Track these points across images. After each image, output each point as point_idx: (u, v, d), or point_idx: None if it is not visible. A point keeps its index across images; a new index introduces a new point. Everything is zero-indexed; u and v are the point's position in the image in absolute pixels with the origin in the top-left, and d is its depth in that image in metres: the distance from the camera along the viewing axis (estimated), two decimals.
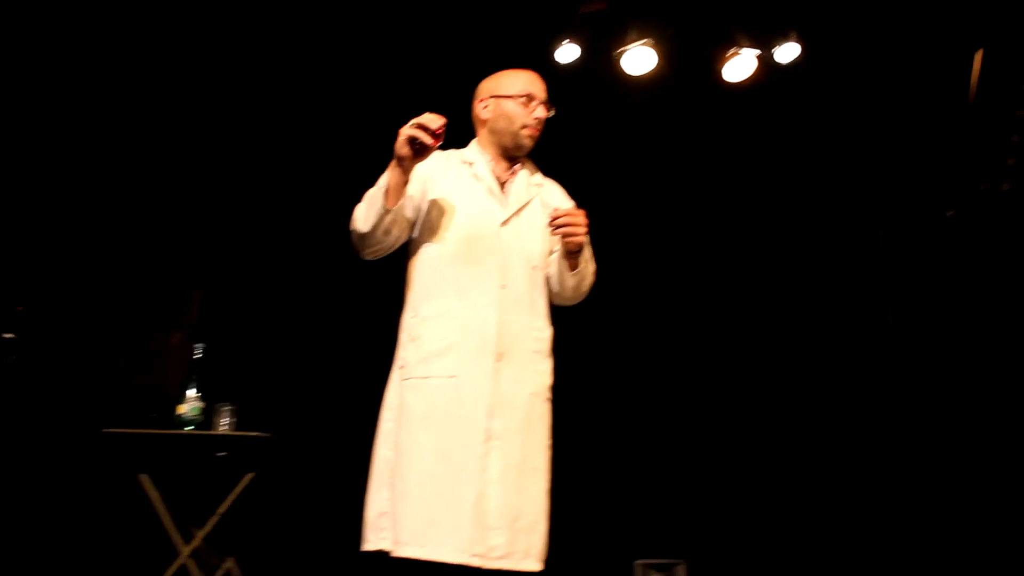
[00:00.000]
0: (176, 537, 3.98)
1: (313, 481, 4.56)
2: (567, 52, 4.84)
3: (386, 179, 2.62)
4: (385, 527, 2.61)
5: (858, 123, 4.95)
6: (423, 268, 2.78)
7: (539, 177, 2.98)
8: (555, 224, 2.67)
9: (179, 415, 4.04)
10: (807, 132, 5.17)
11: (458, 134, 2.82)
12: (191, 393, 4.08)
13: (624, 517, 4.79)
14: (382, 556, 2.59)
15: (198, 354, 4.17)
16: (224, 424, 4.07)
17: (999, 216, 1.91)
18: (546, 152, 3.06)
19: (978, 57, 1.77)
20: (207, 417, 4.08)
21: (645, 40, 4.74)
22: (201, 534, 4.02)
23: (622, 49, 4.79)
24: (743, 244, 5.11)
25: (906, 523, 4.48)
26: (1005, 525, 4.19)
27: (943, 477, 4.40)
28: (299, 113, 4.90)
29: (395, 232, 2.71)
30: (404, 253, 2.86)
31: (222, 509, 4.05)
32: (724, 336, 5.05)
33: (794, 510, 4.82)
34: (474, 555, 2.53)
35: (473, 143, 2.94)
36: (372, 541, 2.63)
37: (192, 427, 4.04)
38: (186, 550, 3.97)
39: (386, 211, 2.61)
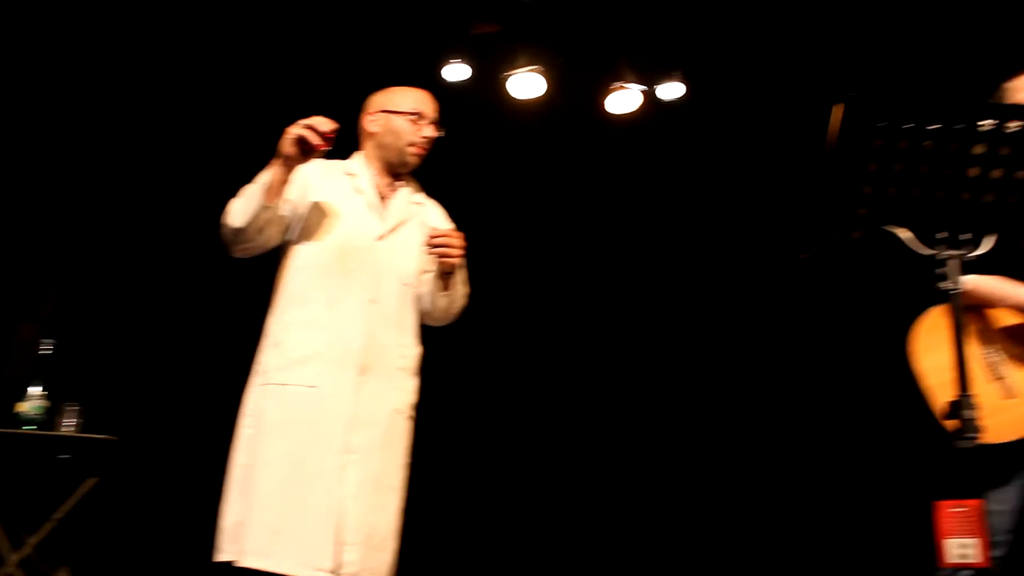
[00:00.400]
0: (3, 544, 3.75)
1: (163, 489, 4.38)
2: (456, 71, 4.84)
3: (267, 176, 2.57)
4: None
5: (732, 164, 5.13)
6: (294, 274, 2.73)
7: (421, 196, 2.97)
8: (432, 244, 2.66)
9: (18, 412, 3.83)
10: (684, 168, 5.32)
11: (344, 145, 2.78)
12: (35, 390, 3.87)
13: (476, 540, 4.77)
14: (233, 568, 2.50)
15: (47, 350, 3.97)
16: (68, 425, 3.88)
17: (849, 262, 1.99)
18: (429, 170, 3.04)
19: (836, 110, 1.84)
20: (50, 416, 3.88)
21: (533, 66, 4.78)
22: (33, 541, 3.81)
23: (510, 73, 4.83)
24: (616, 274, 5.20)
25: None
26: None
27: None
28: (167, 111, 4.74)
29: (268, 232, 2.65)
30: (275, 256, 2.79)
31: (59, 515, 3.85)
32: (586, 366, 5.11)
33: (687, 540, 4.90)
34: (320, 569, 2.47)
35: (357, 155, 2.91)
36: (228, 552, 2.54)
37: (33, 426, 3.83)
38: (14, 558, 3.74)
39: (263, 208, 2.55)
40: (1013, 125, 1.85)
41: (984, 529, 1.82)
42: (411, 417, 2.77)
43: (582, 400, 5.07)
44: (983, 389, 2.56)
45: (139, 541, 4.34)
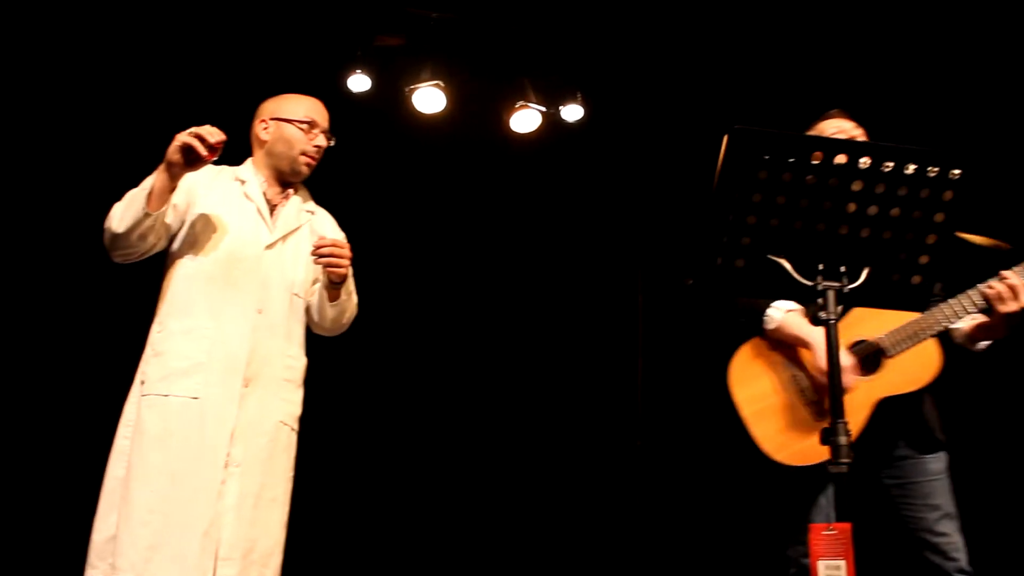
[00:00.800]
0: None
1: (31, 500, 4.18)
2: (359, 82, 4.81)
3: (151, 182, 2.51)
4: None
5: (626, 189, 5.23)
6: (178, 282, 2.66)
7: (312, 205, 2.94)
8: (319, 253, 2.63)
9: None
10: (583, 190, 5.39)
11: (235, 152, 2.74)
12: None
13: (366, 552, 4.72)
14: None
15: None
16: None
17: (732, 288, 2.05)
18: (323, 179, 3.01)
19: (725, 141, 1.90)
20: None
21: (436, 81, 4.79)
22: None
23: (413, 87, 4.82)
24: (509, 291, 5.23)
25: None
26: None
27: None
28: (53, 111, 4.54)
29: (151, 239, 2.59)
30: (159, 262, 2.73)
31: None
32: (474, 379, 5.12)
33: (551, 547, 4.93)
34: None
35: (248, 162, 2.86)
36: (97, 568, 2.45)
37: None
38: None
39: (145, 215, 2.49)
40: (888, 165, 1.93)
41: (851, 552, 1.89)
42: (295, 430, 2.73)
43: (468, 411, 5.07)
44: (798, 413, 2.70)
45: (3, 556, 4.14)
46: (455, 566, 4.84)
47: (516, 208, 5.30)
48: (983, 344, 2.75)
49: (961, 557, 2.60)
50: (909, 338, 2.63)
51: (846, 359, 2.62)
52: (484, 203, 5.27)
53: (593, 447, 5.01)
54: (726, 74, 5.01)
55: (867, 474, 2.70)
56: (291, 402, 2.72)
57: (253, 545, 2.52)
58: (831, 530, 1.91)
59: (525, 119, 5.04)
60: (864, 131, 2.88)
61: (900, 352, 2.64)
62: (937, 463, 2.71)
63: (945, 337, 2.68)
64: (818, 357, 2.65)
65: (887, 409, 2.63)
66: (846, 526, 1.90)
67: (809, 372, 2.71)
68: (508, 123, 5.07)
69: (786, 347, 2.77)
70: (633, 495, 4.74)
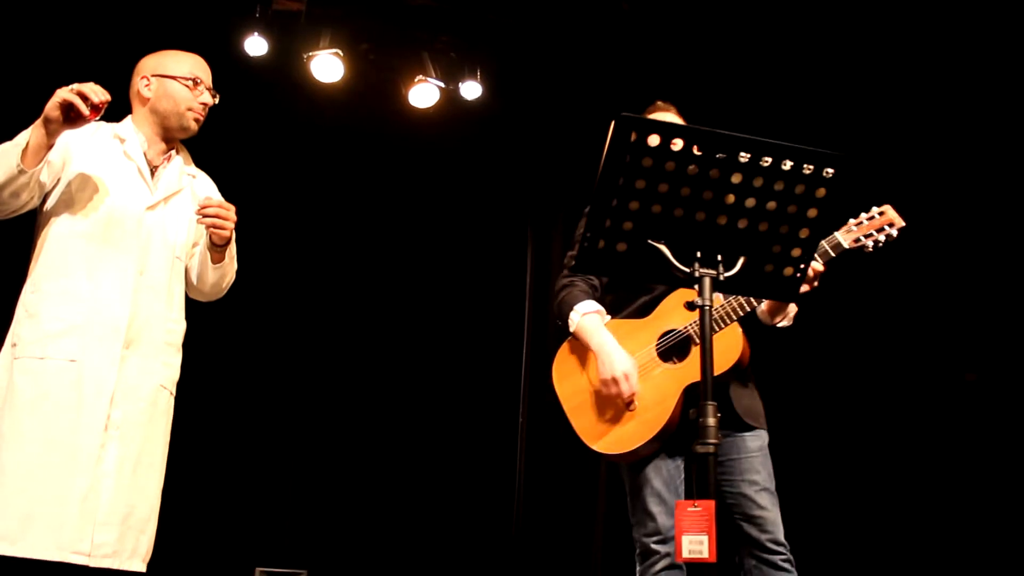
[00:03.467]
0: None
1: None
2: (255, 44, 4.71)
3: (26, 137, 2.42)
4: None
5: (520, 169, 5.28)
6: (53, 242, 2.58)
7: (193, 168, 2.88)
8: (204, 213, 2.59)
9: None
10: (478, 169, 5.42)
11: (116, 110, 2.66)
12: None
13: (245, 523, 4.68)
14: None
15: None
16: None
17: (613, 270, 2.11)
18: (214, 141, 2.96)
19: (611, 128, 1.95)
20: None
21: (335, 50, 4.72)
22: None
23: (311, 54, 4.74)
24: (397, 264, 5.22)
25: None
26: None
27: None
28: None
29: (24, 196, 2.50)
30: (30, 221, 2.64)
31: None
32: (363, 346, 5.11)
33: (421, 521, 4.96)
34: (77, 552, 2.38)
35: (128, 120, 2.77)
36: None
37: None
38: None
39: (20, 171, 2.40)
40: (766, 160, 2.02)
41: (713, 527, 1.98)
42: (173, 394, 2.70)
43: (344, 381, 5.06)
44: (609, 405, 2.79)
45: None
46: (331, 531, 4.84)
47: (409, 182, 5.29)
48: (781, 321, 2.86)
49: (776, 530, 2.74)
50: (713, 324, 2.67)
51: (627, 369, 2.72)
52: (376, 176, 5.24)
53: (477, 423, 5.06)
54: (624, 60, 5.11)
55: (687, 455, 2.81)
56: (171, 366, 2.68)
57: (132, 510, 2.49)
58: (695, 507, 2.00)
59: (424, 94, 5.03)
60: (688, 122, 2.95)
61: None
62: (755, 440, 2.83)
63: (753, 320, 2.80)
64: (600, 364, 2.75)
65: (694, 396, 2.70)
66: (710, 503, 1.98)
67: (591, 377, 2.83)
68: (407, 97, 5.04)
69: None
70: (513, 474, 4.81)
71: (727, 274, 2.09)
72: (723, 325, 2.74)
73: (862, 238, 2.72)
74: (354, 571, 4.83)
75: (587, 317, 2.84)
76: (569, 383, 2.88)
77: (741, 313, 2.74)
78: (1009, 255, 4.46)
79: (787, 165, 2.04)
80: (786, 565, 2.75)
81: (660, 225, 2.05)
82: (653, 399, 2.76)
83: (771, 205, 2.08)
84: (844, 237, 2.74)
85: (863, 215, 2.74)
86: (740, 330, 2.78)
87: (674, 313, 2.81)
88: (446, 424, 5.07)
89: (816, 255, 2.67)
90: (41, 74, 2.54)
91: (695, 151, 1.99)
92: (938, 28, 4.52)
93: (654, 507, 2.77)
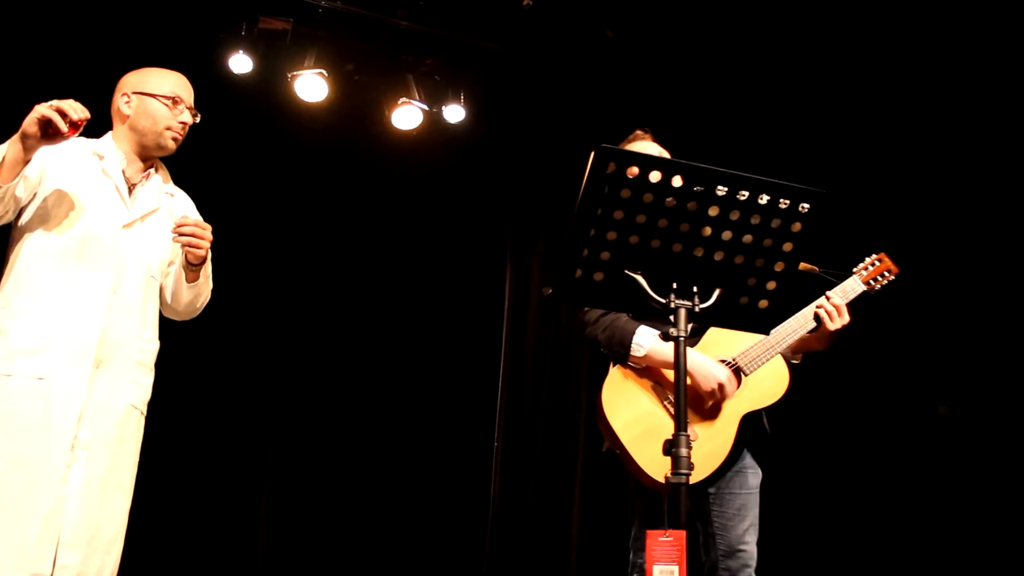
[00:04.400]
0: None
1: None
2: (239, 62, 4.71)
3: (2, 153, 2.40)
4: None
5: (501, 195, 5.29)
6: (26, 258, 2.55)
7: (172, 187, 2.87)
8: (180, 232, 2.58)
9: None
10: (460, 192, 5.43)
11: (98, 125, 2.66)
12: None
13: (213, 544, 4.63)
14: None
15: None
16: None
17: (590, 300, 2.13)
18: (194, 158, 2.96)
19: (591, 158, 1.97)
20: None
21: (319, 70, 4.74)
22: None
23: (296, 73, 4.75)
24: (376, 285, 5.21)
25: None
26: None
27: None
28: None
29: None
30: (4, 236, 2.62)
31: None
32: (341, 366, 5.09)
33: (395, 545, 4.94)
34: (37, 574, 2.34)
35: (108, 136, 2.76)
36: None
37: None
38: None
39: None
40: (743, 194, 2.04)
41: (684, 558, 1.98)
42: (143, 414, 2.68)
43: (320, 403, 5.03)
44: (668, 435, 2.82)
45: None
46: (300, 553, 4.80)
47: (390, 204, 5.29)
48: (799, 356, 3.02)
49: (753, 563, 2.85)
50: (761, 356, 2.85)
51: (724, 371, 2.79)
52: (358, 197, 5.25)
53: (453, 446, 5.05)
54: (607, 88, 5.15)
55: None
56: (142, 385, 2.66)
57: (97, 531, 2.46)
58: (667, 537, 2.00)
59: (407, 116, 5.04)
60: (669, 152, 3.02)
61: (755, 369, 2.85)
62: (755, 478, 2.93)
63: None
64: (702, 376, 2.78)
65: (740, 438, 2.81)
66: (681, 533, 1.99)
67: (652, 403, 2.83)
68: (390, 118, 5.06)
69: (653, 371, 2.85)
70: (485, 496, 4.80)
71: (703, 305, 2.11)
72: (768, 358, 2.86)
73: (871, 282, 2.98)
74: None
75: (658, 340, 2.79)
76: (625, 414, 2.80)
77: (787, 344, 2.89)
78: (980, 288, 4.52)
79: (764, 199, 2.06)
80: None
81: (637, 256, 2.06)
82: (713, 429, 2.79)
83: (747, 238, 2.10)
84: (857, 283, 2.97)
85: (866, 260, 3.00)
86: (784, 362, 2.91)
87: (721, 343, 2.88)
88: (422, 442, 5.05)
89: (845, 304, 2.89)
90: (23, 88, 2.52)
91: (673, 183, 2.01)
92: (911, 65, 4.59)
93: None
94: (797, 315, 2.90)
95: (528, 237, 5.18)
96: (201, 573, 4.57)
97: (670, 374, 2.83)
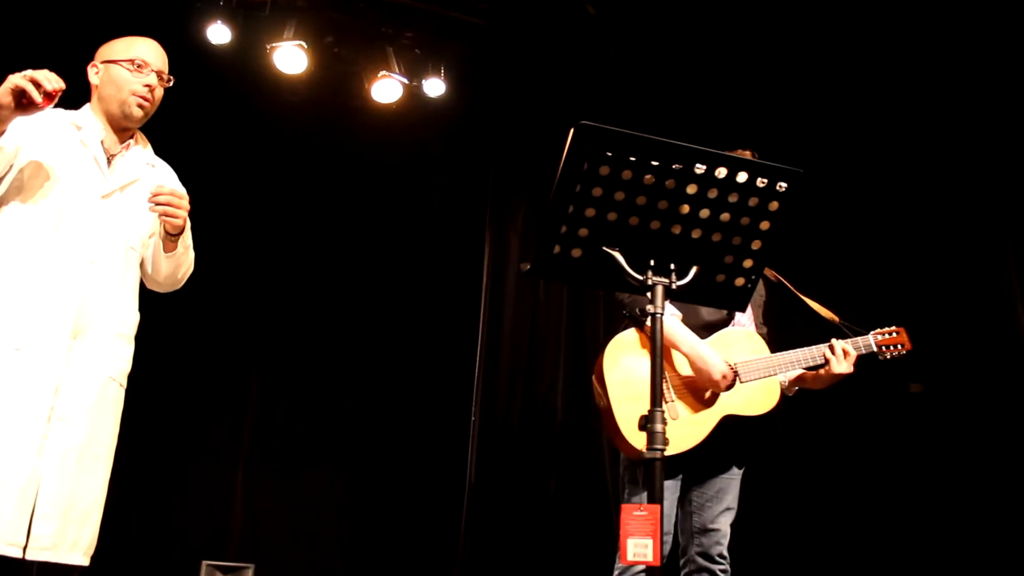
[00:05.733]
0: None
1: None
2: (218, 32, 4.66)
3: None
4: None
5: (479, 170, 5.27)
6: (4, 229, 2.54)
7: (153, 157, 2.85)
8: (156, 201, 2.56)
9: None
10: (439, 165, 5.42)
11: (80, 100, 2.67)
12: None
13: (192, 517, 4.63)
14: None
15: None
16: None
17: (567, 276, 2.14)
18: (172, 129, 2.95)
19: (570, 135, 1.97)
20: None
21: (299, 41, 4.70)
22: None
23: (275, 44, 4.71)
24: (354, 259, 5.19)
25: None
26: None
27: None
28: None
29: None
30: None
31: None
32: (318, 338, 5.08)
33: (370, 516, 4.96)
34: (11, 544, 2.34)
35: (86, 107, 2.74)
36: None
37: None
38: None
39: None
40: (721, 172, 2.05)
41: (658, 532, 2.01)
42: (123, 386, 2.67)
43: (297, 375, 5.02)
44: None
45: None
46: (277, 526, 4.81)
47: (369, 177, 5.27)
48: (795, 389, 3.23)
49: (724, 543, 3.06)
50: (760, 370, 3.04)
51: (728, 369, 2.99)
52: (337, 170, 5.22)
53: (430, 420, 5.05)
54: (587, 63, 5.14)
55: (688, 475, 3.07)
56: (121, 357, 2.64)
57: (74, 502, 2.46)
58: (641, 511, 2.02)
59: (386, 89, 5.01)
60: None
61: (750, 380, 3.02)
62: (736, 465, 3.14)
63: None
64: (705, 365, 2.95)
65: (725, 429, 2.99)
66: (655, 507, 2.01)
67: (674, 372, 3.01)
68: (369, 91, 5.03)
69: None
70: (464, 470, 4.81)
71: (679, 283, 2.13)
72: (765, 375, 3.05)
73: (883, 348, 3.18)
74: (301, 566, 4.81)
75: (673, 319, 3.01)
76: (619, 373, 2.96)
77: (788, 370, 3.09)
78: (953, 265, 4.56)
79: (742, 177, 2.08)
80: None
81: (615, 233, 2.07)
82: (696, 417, 2.96)
83: (725, 216, 2.12)
84: (871, 342, 3.17)
85: (885, 329, 3.21)
86: (778, 385, 3.10)
87: (729, 345, 3.07)
88: (398, 420, 5.06)
89: (854, 357, 3.09)
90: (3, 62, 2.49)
91: (652, 161, 2.02)
92: (898, 46, 4.61)
93: None
94: (807, 348, 3.09)
95: (507, 213, 5.17)
96: (179, 545, 4.56)
97: (676, 354, 3.02)
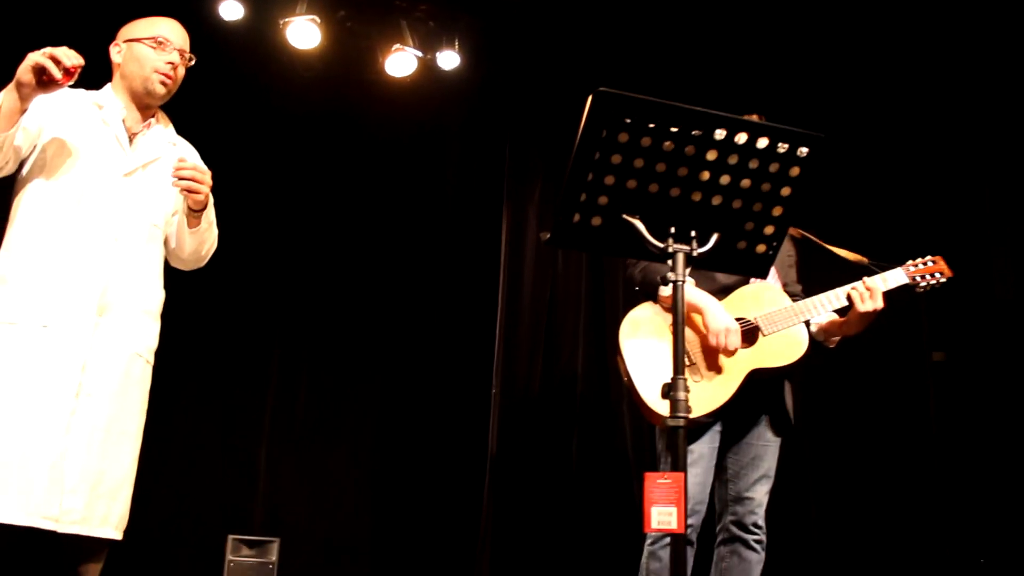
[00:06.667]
0: None
1: None
2: (230, 9, 4.65)
3: None
4: None
5: (496, 144, 5.24)
6: (29, 207, 2.56)
7: (174, 136, 2.87)
8: (179, 176, 2.58)
9: None
10: (455, 139, 5.39)
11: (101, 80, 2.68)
12: None
13: (219, 492, 4.68)
14: None
15: None
16: None
17: (587, 244, 2.13)
18: (190, 108, 2.95)
19: (588, 102, 1.96)
20: None
21: (312, 16, 4.68)
22: None
23: (287, 19, 4.69)
24: (371, 236, 5.19)
25: None
26: None
27: None
28: None
29: None
30: (7, 187, 2.62)
31: None
32: (338, 315, 5.08)
33: (392, 491, 4.99)
34: (45, 517, 2.38)
35: (107, 87, 2.76)
36: None
37: None
38: None
39: None
40: (741, 138, 2.03)
41: (683, 500, 2.01)
42: (150, 362, 2.70)
43: (318, 350, 5.03)
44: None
45: None
46: (303, 500, 4.85)
47: (384, 152, 5.25)
48: (835, 340, 3.18)
49: (760, 513, 3.03)
50: (781, 321, 3.00)
51: (735, 326, 2.95)
52: (352, 145, 5.20)
53: (450, 394, 5.06)
54: (602, 32, 5.09)
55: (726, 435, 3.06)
56: (147, 334, 2.67)
57: (102, 477, 2.49)
58: (665, 479, 2.03)
59: (401, 63, 4.99)
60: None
61: (773, 332, 2.99)
62: (772, 431, 3.11)
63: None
64: (711, 317, 2.94)
65: (755, 385, 2.96)
66: (680, 475, 2.02)
67: (697, 333, 3.00)
68: (383, 65, 5.00)
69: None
70: (485, 445, 4.82)
71: (700, 250, 2.12)
72: (788, 325, 3.00)
73: (917, 278, 3.09)
74: (325, 539, 4.85)
75: (689, 285, 2.96)
76: (638, 340, 2.99)
77: (810, 316, 3.04)
78: (976, 230, 4.53)
79: (762, 143, 2.06)
80: (757, 546, 3.01)
81: (635, 200, 2.06)
82: (720, 376, 2.95)
83: (745, 183, 2.10)
84: (902, 275, 3.08)
85: (919, 260, 3.11)
86: (805, 333, 3.04)
87: (747, 302, 3.04)
88: (418, 394, 5.07)
89: (882, 291, 3.02)
90: (19, 42, 2.50)
91: (671, 128, 2.00)
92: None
93: (689, 476, 2.86)
94: (829, 292, 3.04)
95: (524, 185, 5.14)
96: (205, 519, 4.61)
97: (697, 315, 3.01)
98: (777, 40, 4.91)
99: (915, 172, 4.81)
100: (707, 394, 2.91)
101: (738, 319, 2.99)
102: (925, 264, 3.11)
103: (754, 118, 3.05)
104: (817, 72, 4.91)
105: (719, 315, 2.94)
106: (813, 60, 4.91)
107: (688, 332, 2.98)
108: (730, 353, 2.95)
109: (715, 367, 2.96)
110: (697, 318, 3.01)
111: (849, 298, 3.01)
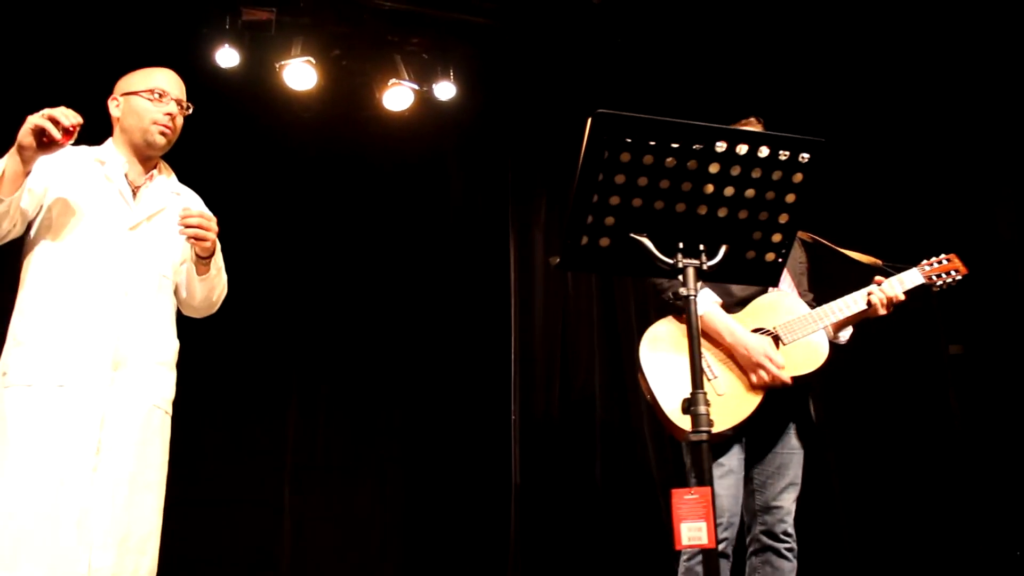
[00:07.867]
0: None
1: None
2: (226, 56, 4.69)
3: (2, 166, 2.42)
4: None
5: (499, 169, 5.27)
6: (38, 268, 2.58)
7: (178, 186, 2.88)
8: (185, 224, 2.59)
9: None
10: (455, 168, 5.41)
11: (102, 135, 2.70)
12: None
13: (245, 535, 4.67)
14: None
15: None
16: None
17: (597, 266, 2.13)
18: (190, 155, 2.97)
19: (588, 124, 1.97)
20: None
21: (307, 57, 4.72)
22: None
23: (283, 63, 4.73)
24: (379, 271, 5.20)
25: None
26: None
27: None
28: None
29: (5, 225, 2.50)
30: (17, 250, 2.64)
31: None
32: (351, 347, 5.09)
33: (417, 525, 4.97)
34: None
35: (108, 142, 2.78)
36: None
37: None
38: None
39: None
40: (742, 149, 2.04)
41: (711, 514, 1.99)
42: (168, 413, 2.70)
43: (334, 383, 5.04)
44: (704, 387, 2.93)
45: None
46: (326, 541, 4.84)
47: (388, 185, 5.28)
48: (845, 335, 3.15)
49: (789, 521, 3.01)
50: (801, 328, 2.99)
51: (762, 338, 2.95)
52: (355, 180, 5.23)
53: (469, 421, 5.05)
54: (597, 54, 5.12)
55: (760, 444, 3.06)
56: (163, 385, 2.67)
57: (128, 531, 2.49)
58: (692, 494, 2.01)
59: (398, 97, 5.02)
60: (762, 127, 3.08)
61: (793, 341, 2.98)
62: (797, 439, 3.10)
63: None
64: (747, 350, 2.91)
65: (778, 395, 2.94)
66: (706, 490, 2.00)
67: (717, 347, 2.99)
68: (381, 100, 5.04)
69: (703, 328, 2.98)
70: (509, 466, 4.81)
71: (710, 263, 2.12)
72: (807, 332, 2.99)
73: (933, 277, 3.11)
74: None
75: (715, 307, 3.01)
76: (658, 358, 2.96)
77: (830, 321, 3.03)
78: (993, 223, 4.51)
79: (763, 152, 2.06)
80: (789, 554, 2.99)
81: (641, 218, 2.07)
82: (741, 389, 2.92)
83: (750, 192, 2.11)
84: (917, 275, 3.09)
85: (934, 259, 3.13)
86: (826, 337, 3.03)
87: (765, 312, 3.04)
88: (437, 426, 5.05)
89: (901, 292, 3.05)
90: (16, 100, 2.53)
91: (672, 144, 2.01)
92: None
93: (720, 490, 2.89)
94: (847, 296, 3.04)
95: (529, 209, 5.15)
96: (231, 565, 4.60)
97: (721, 338, 2.99)
98: (783, 44, 4.92)
99: (924, 167, 4.80)
100: (731, 407, 2.89)
101: (756, 330, 2.99)
102: (940, 263, 3.11)
103: (753, 122, 3.08)
104: (823, 74, 4.92)
105: (754, 346, 2.92)
106: (819, 63, 4.92)
107: (709, 346, 2.98)
108: (780, 367, 2.91)
109: (737, 380, 2.95)
110: (723, 338, 3.00)
111: (869, 303, 3.03)
